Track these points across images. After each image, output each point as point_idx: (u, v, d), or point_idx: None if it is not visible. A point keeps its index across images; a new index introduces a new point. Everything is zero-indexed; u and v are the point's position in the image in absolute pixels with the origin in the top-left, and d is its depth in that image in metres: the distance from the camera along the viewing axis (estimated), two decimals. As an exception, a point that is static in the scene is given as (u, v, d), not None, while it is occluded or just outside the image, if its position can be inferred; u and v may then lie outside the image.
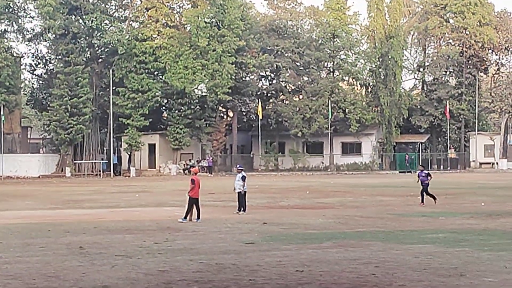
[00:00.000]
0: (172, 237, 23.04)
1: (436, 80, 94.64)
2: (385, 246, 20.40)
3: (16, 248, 20.59)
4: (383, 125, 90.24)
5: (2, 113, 73.84)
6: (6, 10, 74.89)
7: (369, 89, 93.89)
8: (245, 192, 32.20)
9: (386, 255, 18.56)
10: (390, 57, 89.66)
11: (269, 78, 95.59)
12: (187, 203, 28.59)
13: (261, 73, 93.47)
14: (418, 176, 37.10)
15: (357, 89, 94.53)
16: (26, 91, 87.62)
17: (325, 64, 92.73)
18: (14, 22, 77.52)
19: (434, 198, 36.16)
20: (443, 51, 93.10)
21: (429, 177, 36.63)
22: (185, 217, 28.22)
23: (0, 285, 14.55)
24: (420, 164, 62.42)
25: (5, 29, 77.71)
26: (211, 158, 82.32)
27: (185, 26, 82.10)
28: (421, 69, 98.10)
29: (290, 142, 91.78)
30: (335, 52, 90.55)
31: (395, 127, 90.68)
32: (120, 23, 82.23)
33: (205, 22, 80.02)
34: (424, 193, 36.33)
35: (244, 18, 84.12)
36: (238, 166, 34.91)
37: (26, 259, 18.28)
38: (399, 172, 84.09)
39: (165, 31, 79.53)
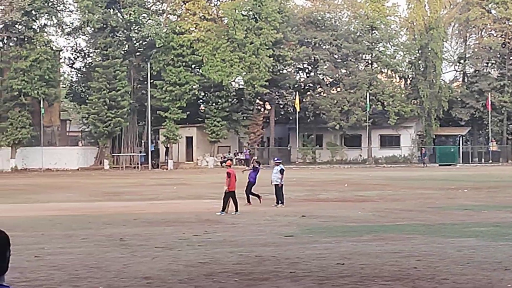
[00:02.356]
0: (212, 229, 23.06)
1: (477, 72, 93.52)
2: (426, 240, 20.17)
3: (58, 239, 20.74)
4: (423, 118, 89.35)
5: (41, 106, 74.32)
6: (46, 4, 75.28)
7: (408, 81, 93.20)
8: (282, 185, 32.13)
9: (427, 249, 18.32)
10: (430, 48, 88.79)
11: (307, 70, 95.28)
12: (224, 196, 28.68)
13: (298, 66, 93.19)
14: None
15: (396, 81, 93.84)
16: (65, 84, 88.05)
17: (363, 56, 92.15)
18: (53, 16, 77.96)
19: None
20: (485, 43, 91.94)
21: None
22: (223, 210, 28.33)
23: (44, 276, 14.62)
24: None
25: (44, 23, 78.25)
26: (248, 151, 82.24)
27: (223, 19, 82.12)
28: (461, 61, 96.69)
29: (327, 135, 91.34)
30: (373, 44, 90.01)
31: (435, 119, 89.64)
32: (158, 17, 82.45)
33: (243, 15, 79.93)
34: None
35: (282, 10, 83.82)
36: (276, 159, 34.90)
37: (69, 250, 18.40)
38: (440, 165, 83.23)
39: (202, 24, 79.54)
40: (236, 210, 28.43)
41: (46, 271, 15.17)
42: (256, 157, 36.89)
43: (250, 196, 32.16)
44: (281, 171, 32.14)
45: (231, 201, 28.60)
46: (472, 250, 18.14)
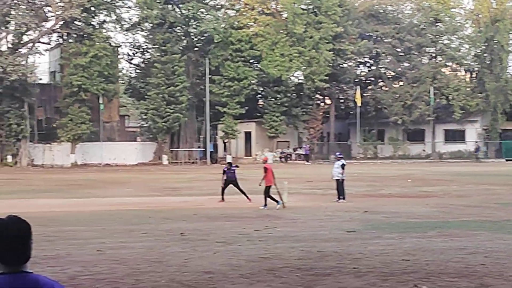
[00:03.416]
0: (272, 224, 22.95)
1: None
2: (492, 236, 19.77)
3: (119, 233, 20.89)
4: (488, 112, 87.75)
5: (101, 102, 74.88)
6: (105, 0, 75.78)
7: (474, 75, 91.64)
8: (343, 180, 31.89)
9: (493, 245, 17.95)
10: (496, 41, 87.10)
11: (368, 64, 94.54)
12: (264, 191, 29.07)
13: (359, 60, 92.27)
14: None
15: (460, 74, 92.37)
16: (124, 80, 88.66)
17: (427, 49, 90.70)
18: (112, 13, 78.39)
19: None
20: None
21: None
22: (265, 205, 28.74)
23: (106, 269, 14.70)
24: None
25: (103, 19, 78.70)
26: (308, 146, 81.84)
27: (282, 13, 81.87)
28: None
29: (389, 130, 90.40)
30: (437, 37, 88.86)
31: (501, 114, 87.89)
32: (216, 12, 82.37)
33: (302, 9, 79.60)
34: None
35: (342, 4, 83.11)
36: (337, 153, 34.63)
37: (130, 245, 18.49)
38: (506, 160, 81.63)
39: (261, 19, 79.38)
40: (265, 205, 28.77)
41: (108, 265, 15.27)
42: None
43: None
44: (342, 166, 31.93)
45: (278, 194, 29.14)
46: (540, 246, 17.72)
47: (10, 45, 73.46)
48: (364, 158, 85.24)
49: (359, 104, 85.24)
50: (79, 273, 14.19)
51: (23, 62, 71.89)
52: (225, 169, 33.13)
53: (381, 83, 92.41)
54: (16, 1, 70.74)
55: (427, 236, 20.01)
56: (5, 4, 69.36)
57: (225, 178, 32.44)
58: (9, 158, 71.76)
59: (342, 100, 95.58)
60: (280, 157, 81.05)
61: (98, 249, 17.55)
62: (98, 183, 47.80)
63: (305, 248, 17.55)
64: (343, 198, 31.56)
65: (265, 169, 29.69)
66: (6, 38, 73.62)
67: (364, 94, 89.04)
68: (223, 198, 32.07)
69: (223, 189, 32.33)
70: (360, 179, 47.10)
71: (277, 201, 28.85)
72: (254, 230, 21.26)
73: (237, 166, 33.67)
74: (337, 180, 31.88)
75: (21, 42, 74.32)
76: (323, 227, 22.26)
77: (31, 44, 74.54)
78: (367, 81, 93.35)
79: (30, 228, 4.35)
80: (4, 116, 70.61)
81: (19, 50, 73.80)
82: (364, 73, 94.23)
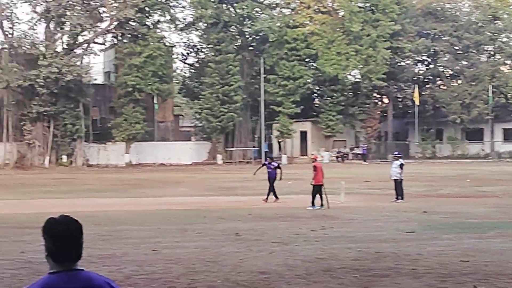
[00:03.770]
0: (328, 224, 22.81)
1: None
2: (552, 237, 19.57)
3: (174, 233, 20.97)
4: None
5: (155, 102, 75.21)
6: (159, 0, 76.11)
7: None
8: (401, 179, 31.51)
9: (553, 246, 17.77)
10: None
11: (426, 63, 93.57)
12: (312, 190, 28.93)
13: (417, 58, 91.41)
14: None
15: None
16: (178, 80, 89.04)
17: (485, 47, 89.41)
18: (166, 13, 78.72)
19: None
20: None
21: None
22: (313, 205, 28.49)
23: (162, 269, 14.79)
24: None
25: (158, 19, 79.05)
26: (366, 145, 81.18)
27: (338, 11, 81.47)
28: None
29: (448, 129, 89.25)
30: (496, 34, 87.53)
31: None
32: (271, 10, 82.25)
33: (359, 7, 79.07)
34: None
35: (400, 1, 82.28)
36: (395, 153, 34.24)
37: (185, 244, 18.57)
38: None
39: (317, 17, 79.05)
40: (322, 205, 28.61)
41: (164, 264, 15.37)
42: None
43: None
44: (401, 166, 31.66)
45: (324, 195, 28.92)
46: None
47: (65, 46, 74.21)
48: (423, 157, 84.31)
49: (417, 103, 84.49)
50: (134, 272, 14.34)
51: (78, 63, 72.62)
52: (266, 163, 32.97)
53: (439, 82, 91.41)
54: (71, 2, 71.30)
55: (486, 236, 19.90)
56: (60, 5, 69.98)
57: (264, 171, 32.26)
58: (65, 158, 72.40)
59: (400, 99, 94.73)
60: (337, 157, 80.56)
61: (153, 248, 17.68)
62: (152, 182, 48.12)
63: (362, 248, 17.47)
64: (402, 198, 31.26)
65: (315, 167, 29.35)
66: (61, 39, 74.36)
67: (422, 93, 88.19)
68: (276, 197, 31.77)
69: (273, 188, 31.96)
70: (418, 179, 46.76)
71: (321, 204, 28.60)
72: (310, 231, 21.17)
73: (278, 167, 32.27)
74: (395, 180, 31.63)
75: (76, 42, 75.00)
76: (381, 227, 22.15)
77: (86, 45, 75.27)
78: (425, 80, 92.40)
79: (81, 227, 4.48)
80: (60, 116, 71.22)
81: (74, 50, 74.52)
82: (422, 72, 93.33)
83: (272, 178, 32.05)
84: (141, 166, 73.04)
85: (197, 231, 21.31)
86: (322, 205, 28.56)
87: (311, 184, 29.29)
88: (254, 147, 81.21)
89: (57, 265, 4.36)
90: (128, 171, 65.41)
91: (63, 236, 4.37)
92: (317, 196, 28.81)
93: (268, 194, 31.64)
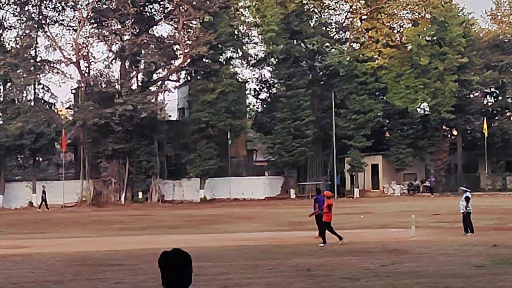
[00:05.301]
0: (399, 259, 22.76)
1: None
2: None
3: (245, 269, 21.08)
4: None
5: (228, 137, 75.85)
6: (231, 37, 77.09)
7: None
8: (468, 212, 31.34)
9: None
10: None
11: (494, 95, 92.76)
12: (320, 227, 28.67)
13: (485, 90, 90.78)
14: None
15: None
16: (250, 115, 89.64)
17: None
18: (239, 49, 79.80)
19: None
20: None
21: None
22: (324, 242, 28.09)
23: None
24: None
25: (230, 55, 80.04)
26: (433, 178, 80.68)
27: (406, 45, 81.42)
28: None
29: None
30: None
31: None
32: (341, 45, 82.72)
33: (426, 41, 79.01)
34: None
35: (466, 34, 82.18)
36: (463, 186, 34.08)
37: (256, 281, 18.66)
38: None
39: (385, 51, 79.15)
40: (324, 242, 28.08)
41: None
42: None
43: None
44: (466, 199, 31.41)
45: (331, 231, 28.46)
46: None
47: (140, 84, 75.60)
48: (493, 190, 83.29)
49: (486, 135, 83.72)
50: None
51: (153, 100, 73.83)
52: (317, 197, 30.83)
53: (508, 113, 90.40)
54: (145, 41, 72.79)
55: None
56: (135, 44, 71.44)
57: (317, 208, 30.12)
58: (140, 195, 73.44)
59: (468, 131, 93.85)
60: (408, 189, 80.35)
61: (224, 285, 17.80)
62: (226, 218, 48.39)
63: (432, 283, 17.39)
64: (471, 232, 31.05)
65: (330, 206, 28.65)
66: (136, 76, 75.74)
67: (491, 125, 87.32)
68: (339, 237, 29.49)
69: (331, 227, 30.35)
70: (488, 211, 46.17)
71: (324, 241, 28.12)
72: (380, 266, 21.12)
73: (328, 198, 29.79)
74: (462, 213, 31.46)
75: (151, 80, 76.46)
76: (450, 261, 21.96)
77: (160, 82, 76.54)
78: (494, 112, 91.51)
79: (190, 258, 5.42)
80: (135, 153, 72.38)
81: (149, 88, 75.85)
82: (490, 104, 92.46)
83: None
84: (215, 202, 73.55)
85: (268, 266, 21.32)
86: (341, 238, 28.19)
87: (323, 221, 28.66)
88: (326, 180, 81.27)
89: None
90: (202, 207, 65.96)
91: (172, 267, 5.28)
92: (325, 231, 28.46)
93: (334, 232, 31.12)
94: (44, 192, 66.34)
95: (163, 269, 5.33)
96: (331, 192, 38.03)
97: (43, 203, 65.64)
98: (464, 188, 33.08)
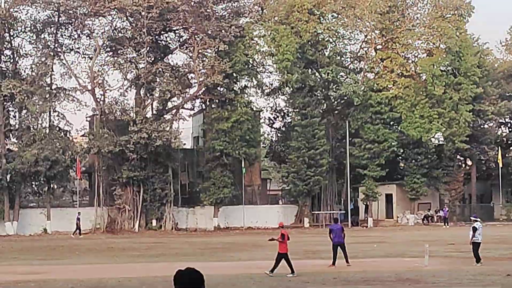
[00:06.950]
0: (412, 288, 22.68)
1: None
2: None
3: None
4: None
5: (243, 166, 75.90)
6: (246, 66, 77.37)
7: None
8: (475, 243, 31.35)
9: None
10: None
11: (509, 125, 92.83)
12: (282, 259, 28.14)
13: (500, 120, 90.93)
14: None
15: None
16: (265, 144, 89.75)
17: None
18: (253, 78, 80.00)
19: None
20: None
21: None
22: (272, 271, 27.84)
23: None
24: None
25: (245, 85, 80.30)
26: (447, 209, 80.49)
27: (421, 75, 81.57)
28: None
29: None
30: None
31: None
32: (356, 75, 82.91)
33: (441, 71, 79.21)
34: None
35: (481, 65, 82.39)
36: (472, 215, 34.18)
37: None
38: None
39: (400, 81, 79.23)
40: (292, 272, 27.74)
41: None
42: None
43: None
44: (473, 229, 31.49)
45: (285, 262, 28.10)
46: None
47: (155, 112, 75.91)
48: (507, 219, 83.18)
49: (500, 165, 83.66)
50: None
51: (167, 128, 74.07)
52: (331, 228, 31.76)
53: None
54: (160, 69, 73.24)
55: None
56: (150, 72, 71.86)
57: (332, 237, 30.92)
58: (154, 222, 73.51)
59: (483, 161, 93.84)
60: (423, 219, 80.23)
61: None
62: (239, 246, 48.52)
63: None
64: (476, 262, 31.03)
65: (284, 235, 28.58)
66: (151, 104, 76.05)
67: (506, 155, 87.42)
68: (333, 263, 31.06)
69: (335, 253, 31.21)
70: (503, 241, 46.17)
71: (292, 271, 27.81)
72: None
73: (341, 223, 30.34)
74: (473, 243, 31.54)
75: (166, 108, 76.79)
76: None
77: (175, 110, 76.82)
78: (509, 142, 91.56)
79: (203, 277, 5.78)
80: (149, 181, 72.60)
81: (164, 116, 76.18)
82: (505, 134, 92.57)
83: (341, 243, 31.37)
84: (229, 230, 73.57)
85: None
86: (292, 272, 27.78)
87: (279, 252, 28.41)
88: (340, 210, 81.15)
89: None
90: (216, 235, 66.01)
91: (188, 284, 5.66)
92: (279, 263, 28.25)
93: (346, 257, 31.28)
94: (78, 219, 66.57)
95: (177, 287, 5.67)
96: (342, 220, 38.00)
97: (78, 230, 65.91)
98: (473, 218, 33.09)
